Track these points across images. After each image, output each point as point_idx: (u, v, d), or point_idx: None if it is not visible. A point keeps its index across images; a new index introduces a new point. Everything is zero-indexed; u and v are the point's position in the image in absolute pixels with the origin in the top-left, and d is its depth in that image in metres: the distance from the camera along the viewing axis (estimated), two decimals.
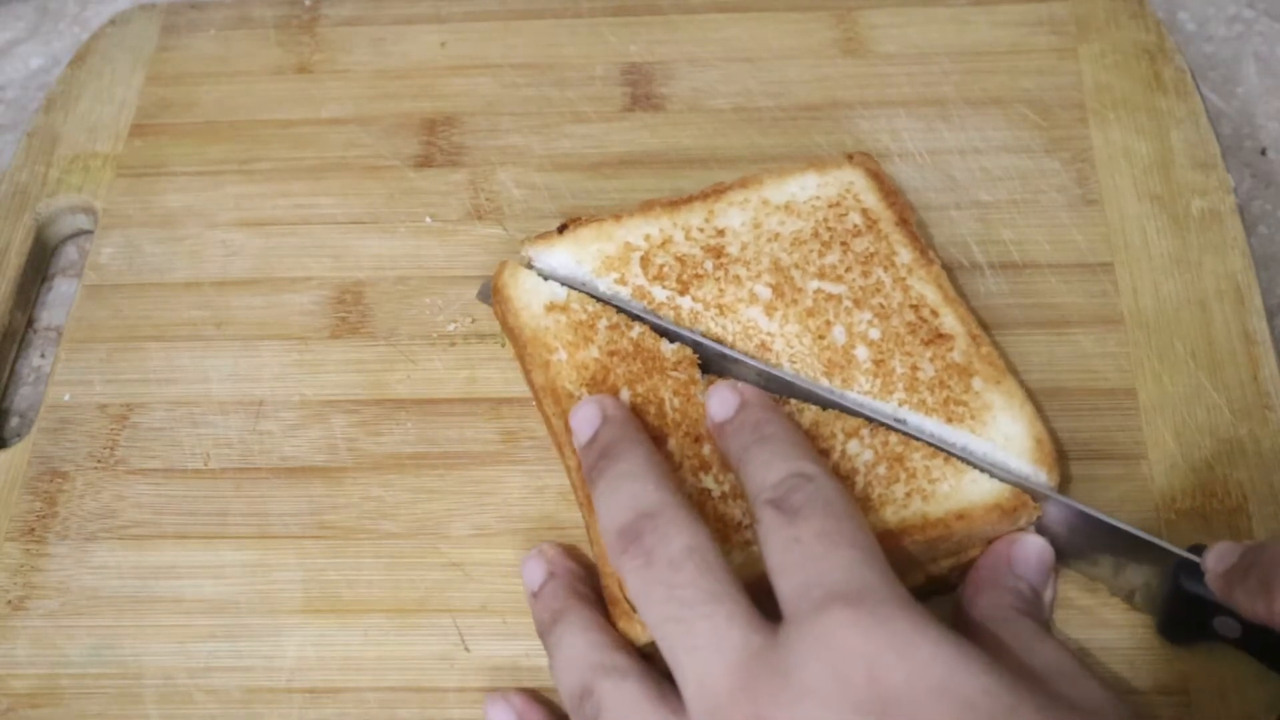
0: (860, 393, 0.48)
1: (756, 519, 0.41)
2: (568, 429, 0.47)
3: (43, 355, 0.59)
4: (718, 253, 0.52)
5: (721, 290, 0.51)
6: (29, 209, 0.61)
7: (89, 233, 0.62)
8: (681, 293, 0.51)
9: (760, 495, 0.41)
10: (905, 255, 0.52)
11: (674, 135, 0.61)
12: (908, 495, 0.46)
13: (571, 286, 0.52)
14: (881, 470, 0.46)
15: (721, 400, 0.46)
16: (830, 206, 0.53)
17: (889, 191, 0.54)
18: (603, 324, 0.50)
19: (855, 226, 0.53)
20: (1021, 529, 0.46)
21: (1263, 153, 0.62)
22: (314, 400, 0.54)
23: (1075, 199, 0.57)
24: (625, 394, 0.48)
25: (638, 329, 0.50)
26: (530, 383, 0.50)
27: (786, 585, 0.38)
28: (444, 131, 0.62)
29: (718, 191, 0.54)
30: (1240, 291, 0.54)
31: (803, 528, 0.39)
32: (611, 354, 0.49)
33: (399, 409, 0.53)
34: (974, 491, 0.46)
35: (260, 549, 0.50)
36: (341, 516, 0.51)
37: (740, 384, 0.47)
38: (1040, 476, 0.46)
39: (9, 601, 0.49)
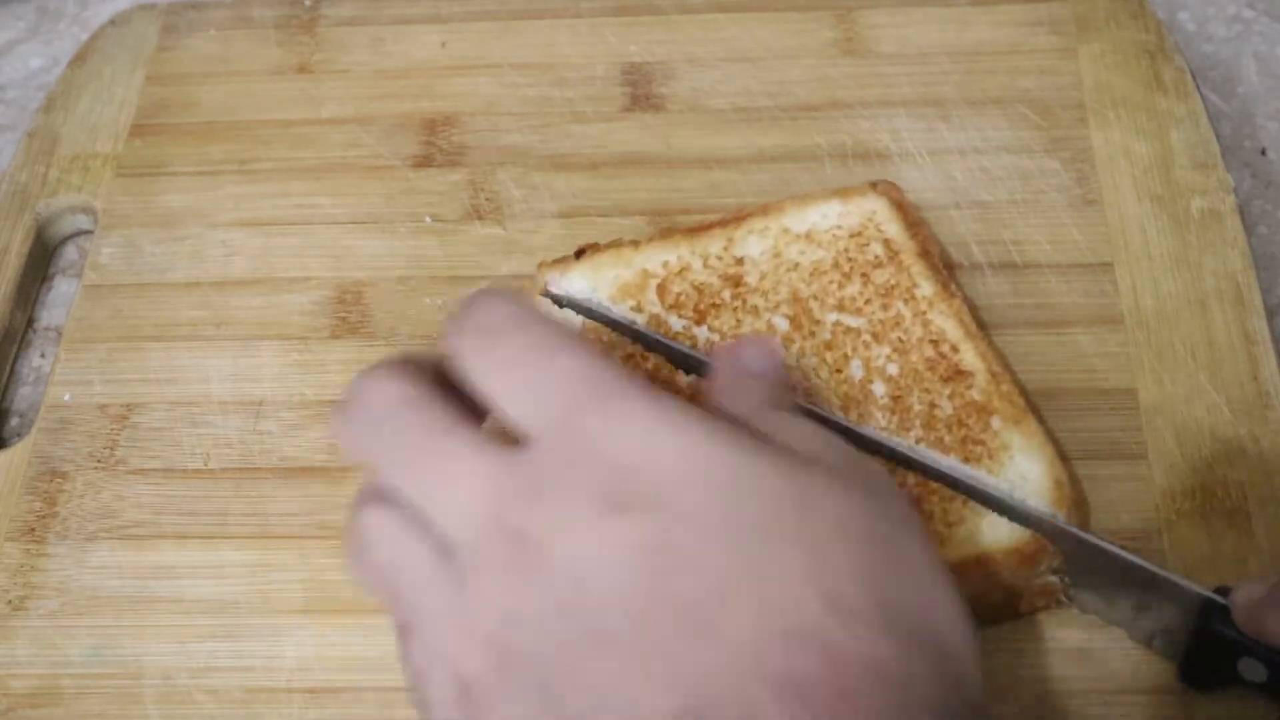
0: (877, 429, 0.48)
1: (462, 369, 0.37)
2: None
3: (43, 355, 0.59)
4: (736, 282, 0.52)
5: (739, 320, 0.51)
6: (29, 209, 0.61)
7: (89, 233, 0.62)
8: (698, 322, 0.51)
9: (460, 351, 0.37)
10: (926, 288, 0.51)
11: (674, 135, 0.61)
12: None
13: (586, 314, 0.51)
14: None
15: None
16: (852, 236, 0.52)
17: (912, 222, 0.53)
18: (618, 355, 0.50)
19: (877, 258, 0.52)
20: (1042, 575, 0.45)
21: (1263, 153, 0.62)
22: (314, 400, 0.54)
23: (1075, 199, 0.57)
24: None
25: (653, 360, 0.50)
26: None
27: (516, 408, 0.35)
28: (444, 131, 0.62)
29: (738, 219, 0.53)
30: (1240, 291, 0.54)
31: (505, 345, 0.36)
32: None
33: None
34: (992, 535, 0.45)
35: (260, 549, 0.50)
36: (341, 516, 0.50)
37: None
38: (1058, 518, 0.45)
39: (9, 601, 0.49)
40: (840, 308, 0.50)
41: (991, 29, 0.63)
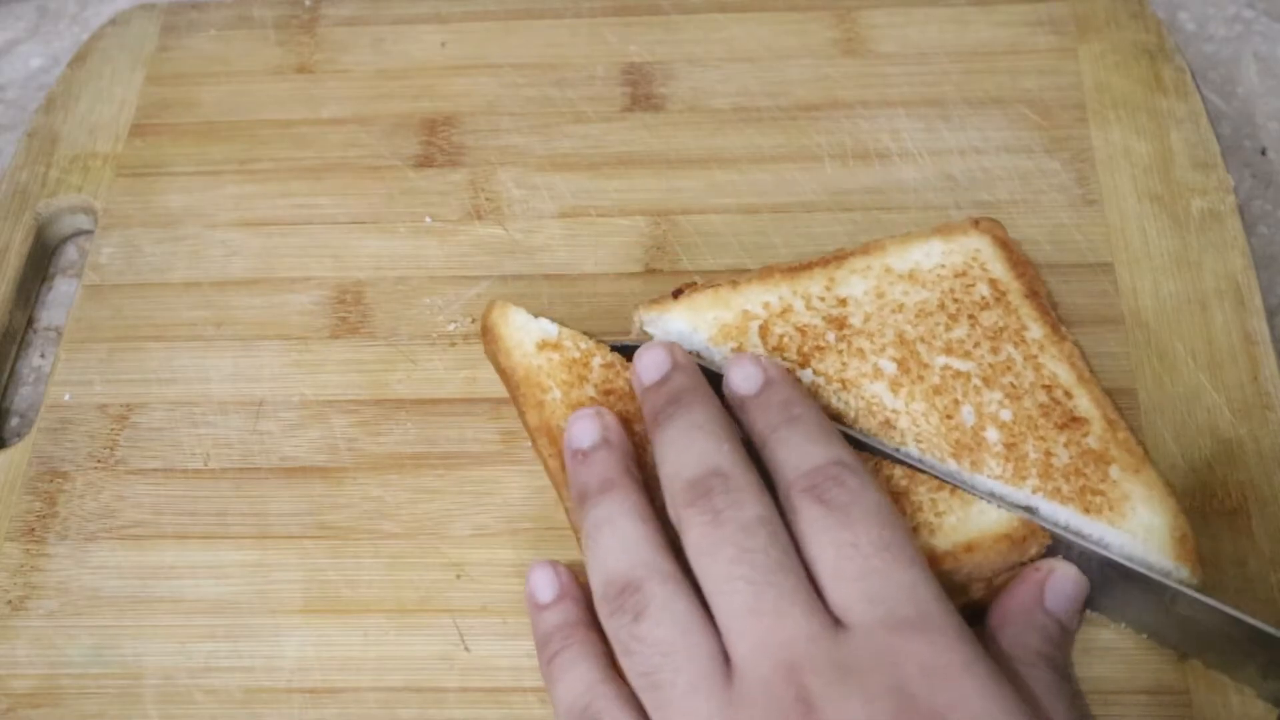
0: (990, 477, 0.46)
1: (791, 506, 0.41)
2: (563, 468, 0.46)
3: (43, 355, 0.59)
4: (840, 324, 0.50)
5: (844, 364, 0.49)
6: (29, 209, 0.61)
7: (89, 233, 0.62)
8: (802, 365, 0.49)
9: (795, 481, 0.41)
10: (1036, 331, 0.49)
11: (674, 135, 0.61)
12: (914, 530, 0.45)
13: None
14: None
15: (745, 375, 0.45)
16: (956, 276, 0.51)
17: (1018, 261, 0.51)
18: (597, 361, 0.49)
19: (983, 299, 0.50)
20: (1032, 558, 0.45)
21: (1263, 153, 0.62)
22: (314, 400, 0.54)
23: (1075, 199, 0.57)
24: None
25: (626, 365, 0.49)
26: (525, 423, 0.49)
27: (844, 590, 0.39)
28: (444, 131, 0.62)
29: (839, 258, 0.52)
30: (1240, 291, 0.54)
31: (859, 533, 0.39)
32: (607, 393, 0.48)
33: (399, 409, 0.53)
34: (981, 522, 0.45)
35: (260, 549, 0.50)
36: (341, 516, 0.51)
37: (761, 356, 0.46)
38: (1182, 573, 0.44)
39: (9, 601, 0.49)
40: (949, 351, 0.49)
41: (991, 29, 0.63)
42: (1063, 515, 0.45)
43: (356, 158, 0.62)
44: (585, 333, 0.50)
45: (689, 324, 0.50)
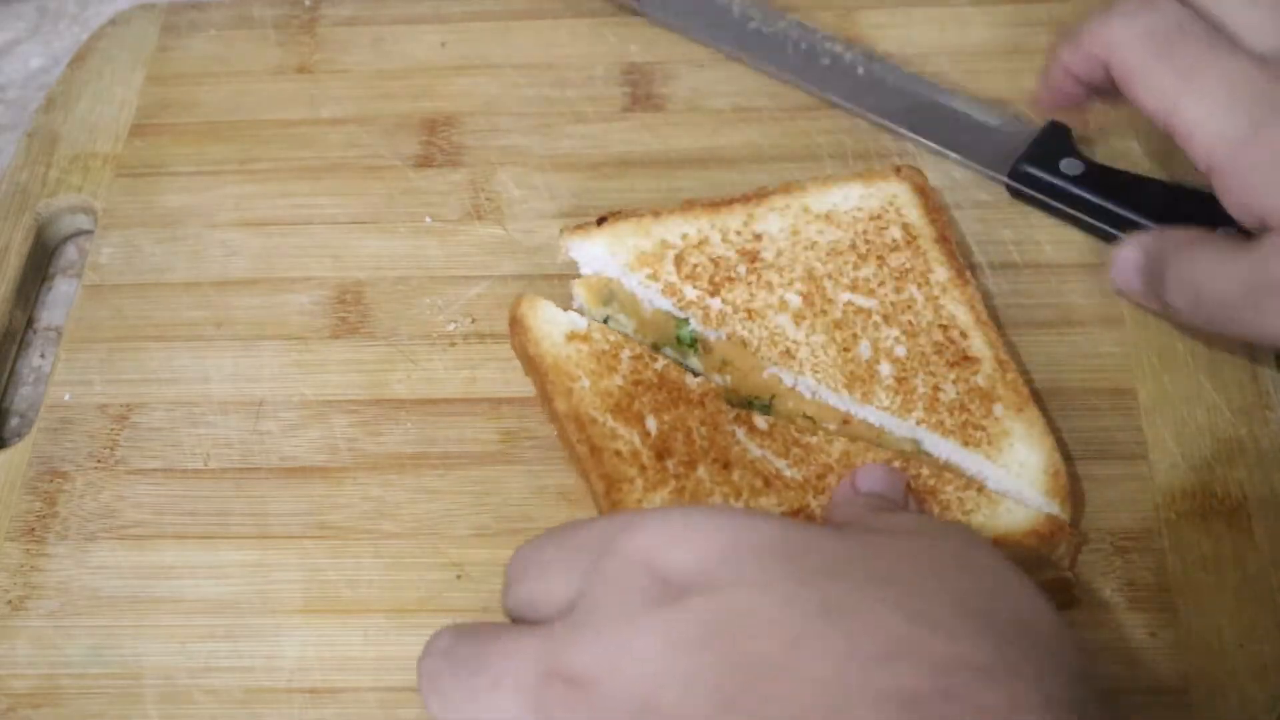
0: (879, 408, 0.48)
1: None
2: (593, 453, 0.47)
3: (43, 355, 0.59)
4: (752, 257, 0.52)
5: (752, 294, 0.51)
6: (29, 209, 0.61)
7: (89, 233, 0.62)
8: (712, 294, 0.51)
9: None
10: (941, 273, 0.51)
11: (674, 135, 0.61)
12: None
13: (590, 318, 0.52)
14: (912, 503, 0.46)
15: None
16: (871, 219, 0.53)
17: (933, 207, 0.53)
18: (626, 354, 0.50)
19: (894, 241, 0.52)
20: (1061, 556, 0.46)
21: None
22: (314, 400, 0.54)
23: None
24: (651, 422, 0.48)
25: (661, 362, 0.50)
26: (552, 411, 0.50)
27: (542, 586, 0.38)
28: (444, 131, 0.62)
29: (760, 196, 0.54)
30: None
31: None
32: (636, 383, 0.49)
33: (399, 409, 0.53)
34: (1009, 520, 0.46)
35: (260, 549, 0.50)
36: (341, 516, 0.51)
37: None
38: (1053, 509, 0.46)
39: (9, 601, 0.49)
40: (854, 288, 0.51)
41: (991, 29, 0.63)
42: (944, 448, 0.47)
43: (356, 158, 0.62)
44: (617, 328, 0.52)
45: (609, 250, 0.53)
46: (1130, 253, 0.51)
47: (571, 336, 0.51)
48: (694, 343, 0.51)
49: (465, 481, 0.51)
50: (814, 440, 0.48)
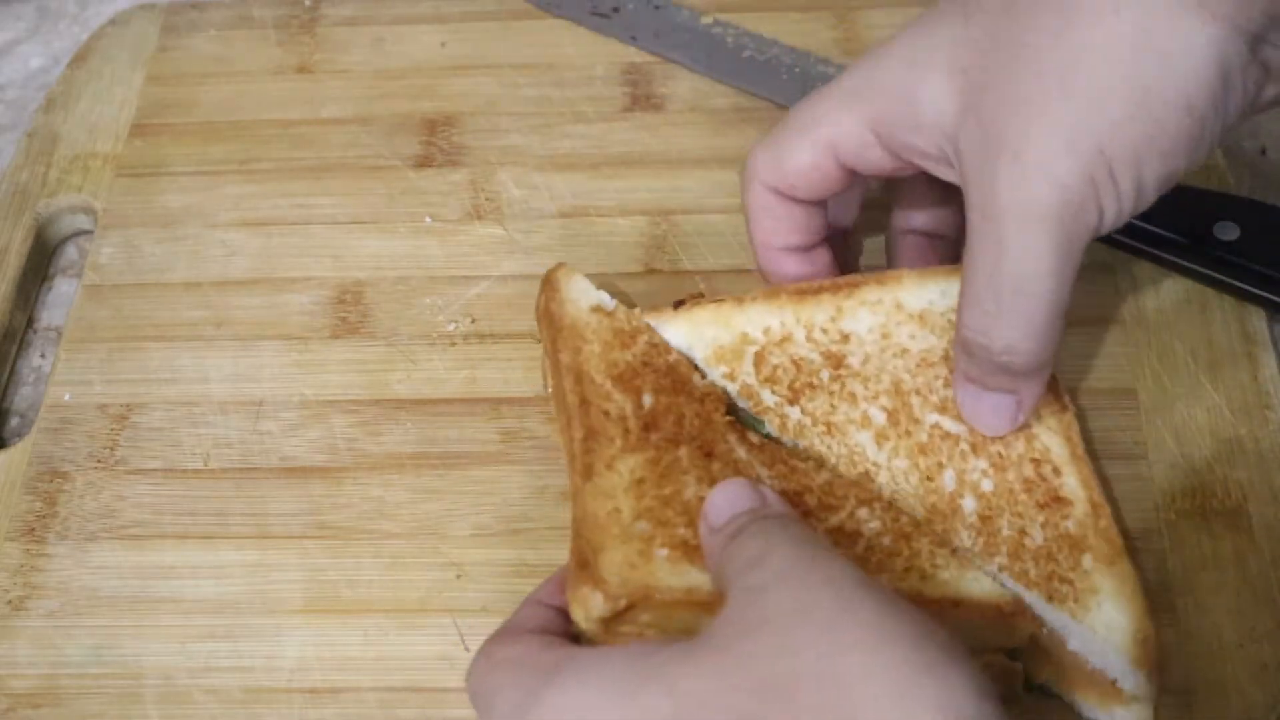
0: (961, 548, 0.44)
1: None
2: (582, 404, 0.46)
3: (43, 355, 0.59)
4: (838, 361, 0.48)
5: (834, 406, 0.47)
6: (29, 209, 0.61)
7: (89, 233, 0.62)
8: (791, 401, 0.47)
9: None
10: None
11: (674, 135, 0.61)
12: (906, 570, 0.43)
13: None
14: (886, 541, 0.44)
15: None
16: None
17: None
18: (644, 339, 0.49)
19: None
20: (1020, 639, 0.43)
21: (1263, 152, 0.62)
22: (314, 400, 0.54)
23: None
24: (648, 399, 0.47)
25: (675, 355, 0.49)
26: (555, 361, 0.49)
27: None
28: (444, 131, 0.62)
29: (850, 285, 0.49)
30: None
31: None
32: (644, 364, 0.48)
33: (399, 409, 0.53)
34: (974, 588, 0.43)
35: (260, 549, 0.50)
36: (341, 516, 0.51)
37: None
38: (1138, 679, 0.42)
39: (9, 601, 0.49)
40: (943, 409, 0.47)
41: None
42: (1026, 599, 0.43)
43: (356, 158, 0.62)
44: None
45: (686, 340, 0.49)
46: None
47: (596, 309, 0.50)
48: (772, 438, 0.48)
49: (465, 481, 0.51)
50: (802, 465, 0.46)
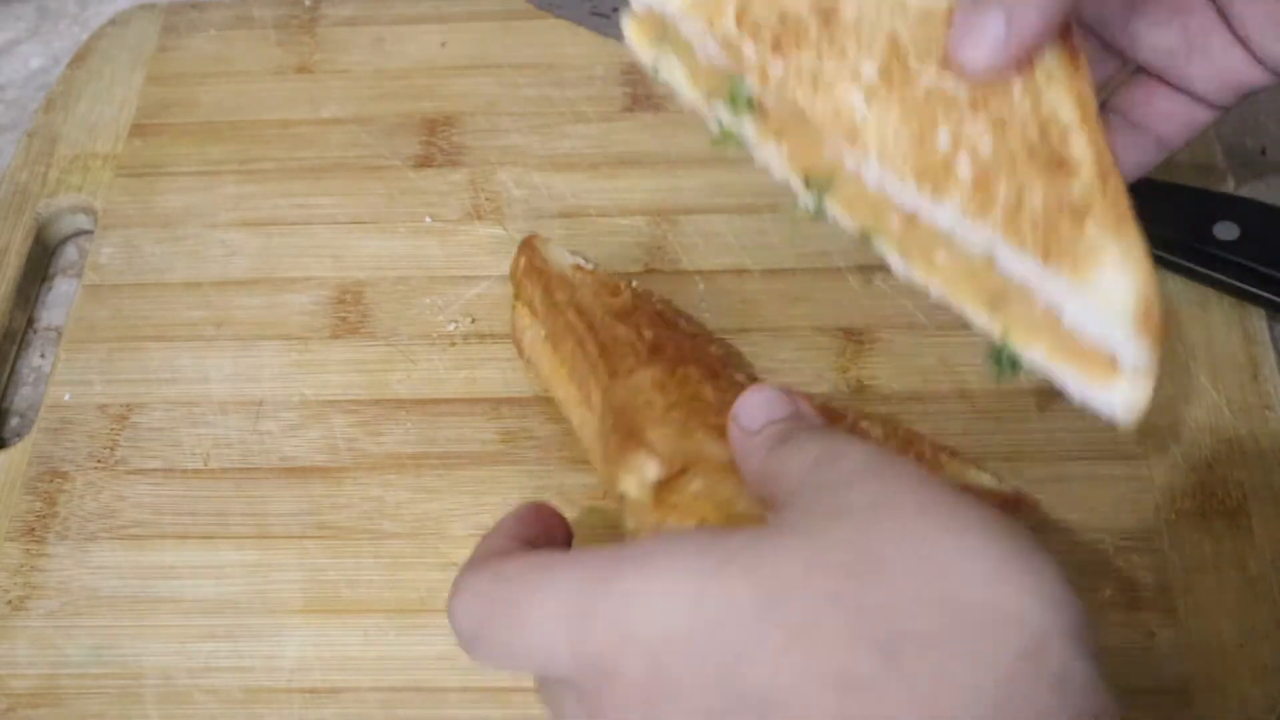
0: (952, 207, 0.40)
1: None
2: (589, 329, 0.48)
3: (43, 355, 0.59)
4: (828, 16, 0.43)
5: (821, 61, 0.42)
6: (29, 209, 0.61)
7: (89, 233, 0.62)
8: (774, 51, 0.43)
9: None
10: (1051, 58, 0.41)
11: (674, 135, 0.61)
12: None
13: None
14: (889, 446, 0.45)
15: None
16: None
17: None
18: (627, 291, 0.51)
19: None
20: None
21: (1262, 152, 0.62)
22: (314, 400, 0.54)
23: None
24: (647, 332, 0.48)
25: (660, 303, 0.51)
26: (551, 303, 0.50)
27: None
28: (444, 131, 0.62)
29: None
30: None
31: None
32: (635, 307, 0.50)
33: (399, 409, 0.53)
34: (975, 480, 0.46)
35: (260, 549, 0.50)
36: (341, 516, 0.51)
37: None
38: (1139, 348, 0.38)
39: (9, 601, 0.49)
40: (942, 68, 0.41)
41: None
42: (1021, 265, 0.39)
43: (356, 158, 0.62)
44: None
45: None
46: None
47: (577, 269, 0.52)
48: (750, 105, 0.43)
49: (465, 481, 0.51)
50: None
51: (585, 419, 0.48)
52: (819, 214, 0.41)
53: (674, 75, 0.45)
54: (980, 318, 0.41)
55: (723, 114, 0.44)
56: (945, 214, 0.40)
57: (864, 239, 0.42)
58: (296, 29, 0.67)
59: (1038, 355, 0.41)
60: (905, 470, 0.35)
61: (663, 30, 0.45)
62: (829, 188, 0.42)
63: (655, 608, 0.33)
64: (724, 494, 0.41)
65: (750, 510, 0.41)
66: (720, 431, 0.42)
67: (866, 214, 0.42)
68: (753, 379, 0.49)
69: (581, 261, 0.52)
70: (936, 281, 0.41)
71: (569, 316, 0.49)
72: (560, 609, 0.35)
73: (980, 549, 0.32)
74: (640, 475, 0.41)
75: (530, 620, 0.35)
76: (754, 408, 0.40)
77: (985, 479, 0.45)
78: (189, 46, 0.67)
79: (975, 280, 0.41)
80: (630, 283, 0.52)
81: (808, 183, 0.43)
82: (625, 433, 0.42)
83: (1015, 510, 0.45)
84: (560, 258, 0.52)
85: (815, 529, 0.34)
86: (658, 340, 0.48)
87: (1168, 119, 0.48)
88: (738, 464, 0.41)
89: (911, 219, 0.41)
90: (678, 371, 0.46)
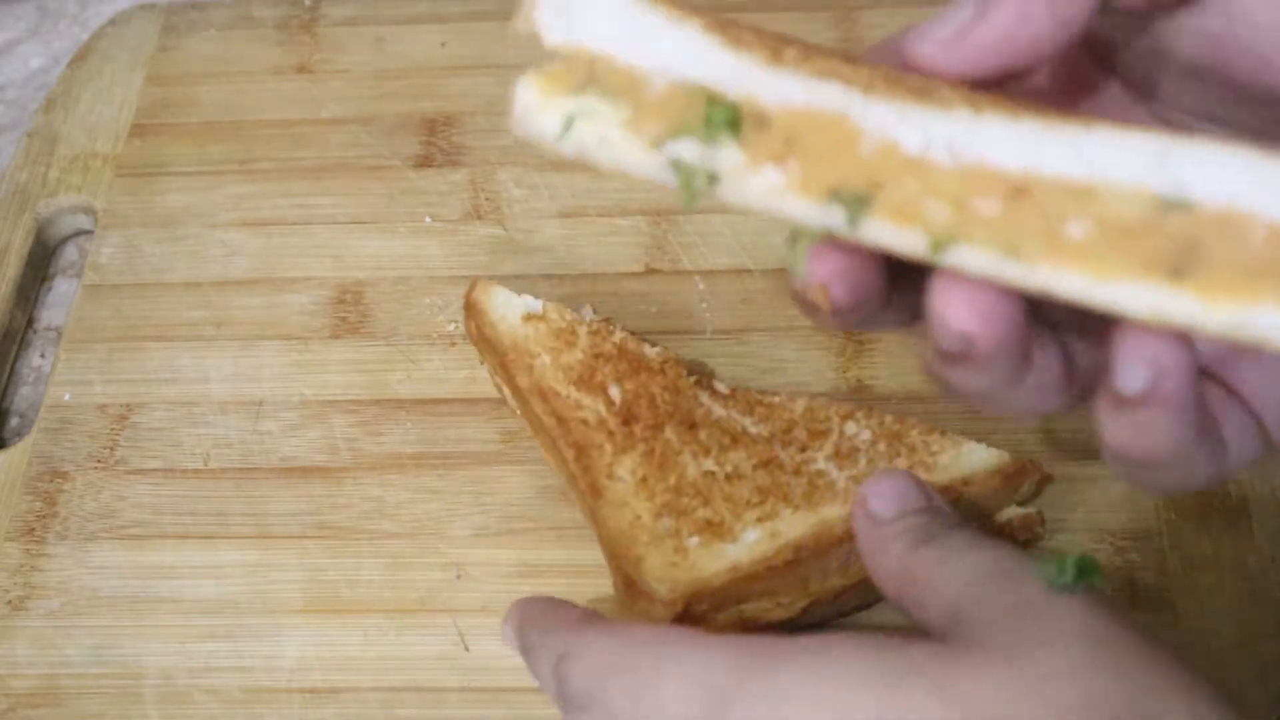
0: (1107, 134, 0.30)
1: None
2: (560, 423, 0.48)
3: (43, 355, 0.59)
4: None
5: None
6: (29, 209, 0.61)
7: (89, 233, 0.62)
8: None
9: None
10: None
11: None
12: (911, 468, 0.46)
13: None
14: (881, 447, 0.47)
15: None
16: None
17: None
18: (583, 331, 0.50)
19: None
20: (1024, 497, 0.47)
21: None
22: (314, 400, 0.54)
23: None
24: (615, 390, 0.48)
25: (619, 334, 0.50)
26: (514, 387, 0.50)
27: None
28: (444, 131, 0.62)
29: None
30: None
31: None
32: (596, 356, 0.50)
33: (399, 409, 0.53)
34: (974, 461, 0.46)
35: (260, 549, 0.50)
36: (341, 516, 0.51)
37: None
38: None
39: (9, 601, 0.49)
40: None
41: None
42: (1239, 170, 0.29)
43: (356, 158, 0.62)
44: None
45: None
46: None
47: (528, 318, 0.51)
48: (733, 124, 0.33)
49: (465, 481, 0.51)
50: (776, 400, 0.48)
51: (578, 499, 0.48)
52: (851, 235, 0.32)
53: (600, 129, 0.33)
54: (1151, 297, 0.29)
55: (687, 153, 0.33)
56: (1099, 144, 0.30)
57: (933, 252, 0.31)
58: (296, 29, 0.67)
59: (1264, 314, 0.29)
60: (1090, 598, 0.34)
61: (589, 73, 0.33)
62: (870, 202, 0.32)
63: (827, 708, 0.32)
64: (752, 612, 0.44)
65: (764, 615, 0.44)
66: (710, 528, 0.44)
67: (938, 215, 0.31)
68: (734, 388, 0.50)
69: (532, 305, 0.51)
70: (1069, 271, 0.30)
71: (537, 407, 0.49)
72: (697, 688, 0.33)
73: (1190, 686, 0.32)
74: (651, 616, 0.43)
75: (664, 691, 0.34)
76: (886, 496, 0.39)
77: (982, 454, 0.46)
78: (189, 46, 0.67)
79: (1139, 244, 0.29)
80: (586, 316, 0.51)
81: (836, 200, 0.32)
82: (625, 582, 0.44)
83: (1018, 479, 0.46)
84: (508, 309, 0.51)
85: (1014, 656, 0.32)
86: (627, 402, 0.48)
87: None
88: (861, 550, 0.39)
89: (1022, 191, 0.30)
90: (656, 449, 0.47)
